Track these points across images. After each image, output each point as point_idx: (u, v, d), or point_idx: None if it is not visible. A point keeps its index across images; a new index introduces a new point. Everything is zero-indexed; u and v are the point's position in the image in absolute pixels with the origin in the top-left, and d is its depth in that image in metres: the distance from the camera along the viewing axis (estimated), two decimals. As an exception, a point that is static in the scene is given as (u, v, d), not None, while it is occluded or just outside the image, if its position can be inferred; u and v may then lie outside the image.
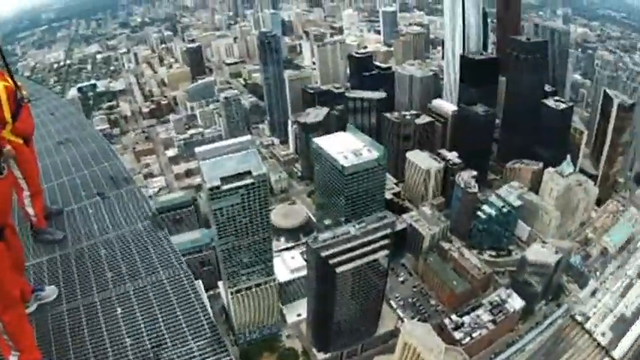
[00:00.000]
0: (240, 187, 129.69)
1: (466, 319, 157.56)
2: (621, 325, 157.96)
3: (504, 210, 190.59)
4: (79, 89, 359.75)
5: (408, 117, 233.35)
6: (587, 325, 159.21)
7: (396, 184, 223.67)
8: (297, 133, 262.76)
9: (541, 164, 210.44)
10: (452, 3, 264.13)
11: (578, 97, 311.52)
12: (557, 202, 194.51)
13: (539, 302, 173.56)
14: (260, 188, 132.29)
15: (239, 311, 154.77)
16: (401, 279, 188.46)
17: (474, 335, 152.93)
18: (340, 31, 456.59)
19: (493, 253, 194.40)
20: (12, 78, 19.16)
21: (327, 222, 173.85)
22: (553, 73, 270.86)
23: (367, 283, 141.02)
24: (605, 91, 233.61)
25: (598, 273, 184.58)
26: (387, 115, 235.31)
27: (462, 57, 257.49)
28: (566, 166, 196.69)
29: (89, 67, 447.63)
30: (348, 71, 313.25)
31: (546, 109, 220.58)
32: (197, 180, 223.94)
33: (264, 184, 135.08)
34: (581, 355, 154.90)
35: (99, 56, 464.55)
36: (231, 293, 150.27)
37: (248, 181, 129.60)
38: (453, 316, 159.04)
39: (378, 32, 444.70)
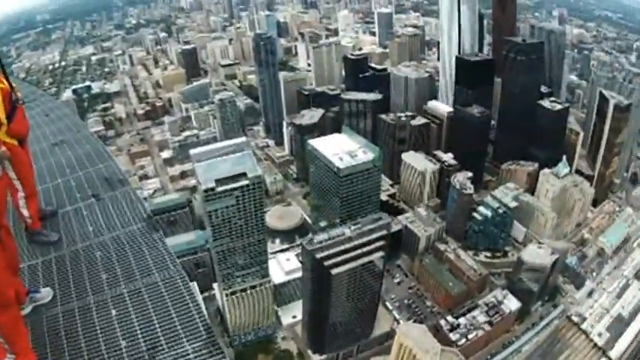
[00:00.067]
0: (235, 189, 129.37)
1: (462, 320, 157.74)
2: (618, 326, 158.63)
3: (500, 211, 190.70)
4: (74, 91, 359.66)
5: (403, 118, 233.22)
6: (584, 326, 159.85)
7: (392, 185, 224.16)
8: (292, 135, 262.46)
9: (537, 165, 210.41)
10: (447, 4, 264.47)
11: (574, 97, 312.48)
12: (553, 202, 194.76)
13: (535, 303, 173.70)
14: (255, 190, 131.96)
15: (234, 313, 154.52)
16: (396, 280, 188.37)
17: (469, 336, 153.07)
18: (335, 32, 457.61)
19: (489, 254, 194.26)
20: (7, 79, 19.17)
21: (322, 224, 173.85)
22: (549, 74, 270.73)
23: (363, 285, 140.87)
24: (601, 91, 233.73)
25: (594, 273, 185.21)
26: (383, 116, 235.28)
27: (458, 58, 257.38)
28: (562, 167, 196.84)
29: (84, 68, 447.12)
30: (343, 73, 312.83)
31: (542, 110, 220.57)
32: (192, 182, 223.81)
33: (259, 186, 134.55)
34: (577, 355, 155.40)
35: (94, 58, 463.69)
36: (226, 295, 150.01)
37: (243, 182, 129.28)
38: (449, 318, 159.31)
39: (374, 34, 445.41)
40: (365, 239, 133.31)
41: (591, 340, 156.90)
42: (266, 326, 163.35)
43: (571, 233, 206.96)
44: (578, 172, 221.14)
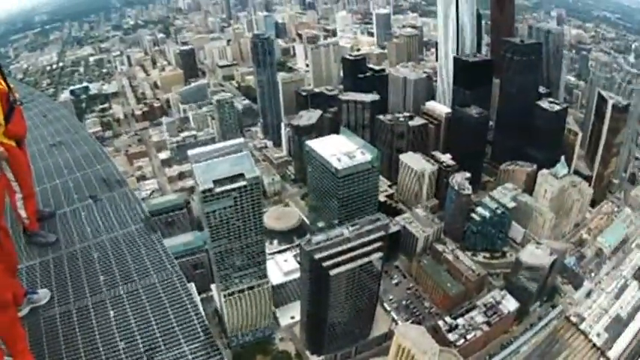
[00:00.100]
0: (232, 190, 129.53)
1: (460, 320, 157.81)
2: (616, 326, 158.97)
3: (498, 211, 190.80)
4: (72, 92, 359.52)
5: (401, 119, 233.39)
6: (582, 326, 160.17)
7: (390, 186, 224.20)
8: (290, 136, 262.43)
9: (535, 166, 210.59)
10: (446, 5, 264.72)
11: (572, 98, 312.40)
12: (552, 203, 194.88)
13: (533, 303, 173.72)
14: (253, 191, 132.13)
15: (232, 314, 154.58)
16: (395, 281, 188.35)
17: (468, 337, 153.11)
18: (334, 33, 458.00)
19: (487, 255, 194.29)
20: (4, 80, 19.13)
21: (320, 224, 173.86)
22: (547, 74, 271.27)
23: (361, 286, 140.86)
24: (599, 92, 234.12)
25: (593, 274, 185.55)
26: (381, 117, 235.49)
27: (456, 59, 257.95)
28: (561, 168, 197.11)
29: (82, 69, 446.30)
30: (341, 73, 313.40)
31: (540, 111, 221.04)
32: (190, 183, 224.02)
33: (257, 187, 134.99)
34: (576, 356, 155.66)
35: (92, 59, 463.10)
36: (224, 296, 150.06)
37: (241, 183, 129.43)
38: (447, 318, 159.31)
39: (372, 34, 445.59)
40: (363, 240, 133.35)
41: (590, 341, 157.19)
42: (264, 327, 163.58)
43: (569, 234, 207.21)
44: (577, 172, 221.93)
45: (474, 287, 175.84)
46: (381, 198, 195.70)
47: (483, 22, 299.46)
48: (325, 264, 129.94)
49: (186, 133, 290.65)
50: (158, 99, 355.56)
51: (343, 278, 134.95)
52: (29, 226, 22.08)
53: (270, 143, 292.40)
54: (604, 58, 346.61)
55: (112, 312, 18.11)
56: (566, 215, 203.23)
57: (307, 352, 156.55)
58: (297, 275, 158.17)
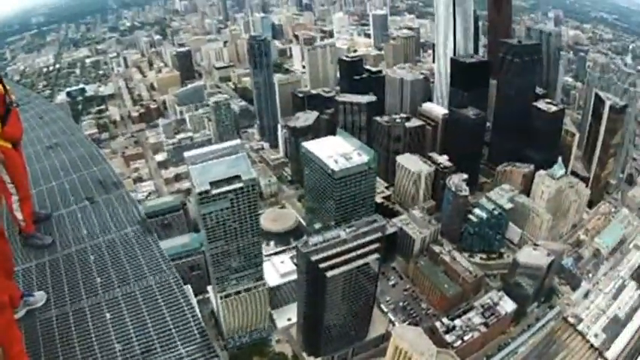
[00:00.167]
0: (229, 192, 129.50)
1: (457, 322, 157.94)
2: (614, 327, 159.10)
3: (495, 213, 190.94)
4: (68, 93, 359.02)
5: (398, 120, 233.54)
6: (580, 327, 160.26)
7: (387, 187, 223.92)
8: (286, 137, 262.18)
9: (532, 167, 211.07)
10: (443, 6, 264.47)
11: (569, 99, 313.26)
12: (549, 204, 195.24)
13: (531, 304, 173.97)
14: (249, 192, 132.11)
15: (228, 316, 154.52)
16: (392, 283, 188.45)
17: (465, 338, 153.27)
18: (330, 34, 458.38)
19: (484, 256, 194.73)
20: (1, 82, 19.12)
21: (317, 226, 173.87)
22: (545, 75, 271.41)
23: (358, 287, 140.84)
24: (596, 93, 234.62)
25: (590, 275, 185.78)
26: (377, 118, 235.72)
27: (453, 60, 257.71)
28: (558, 169, 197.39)
29: (78, 71, 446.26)
30: (338, 75, 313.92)
31: (537, 112, 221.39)
32: (186, 184, 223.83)
33: (254, 189, 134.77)
34: (574, 357, 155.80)
35: (88, 60, 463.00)
36: (221, 298, 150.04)
37: (237, 185, 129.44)
38: (445, 320, 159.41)
39: (369, 36, 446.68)
40: (360, 241, 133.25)
41: (587, 341, 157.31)
42: (261, 329, 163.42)
43: (567, 234, 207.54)
44: (574, 173, 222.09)
45: (471, 288, 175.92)
46: (378, 199, 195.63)
47: (480, 23, 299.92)
48: (322, 265, 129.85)
49: (182, 135, 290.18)
50: (155, 100, 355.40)
51: (340, 280, 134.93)
52: (25, 228, 22.03)
53: (266, 145, 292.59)
54: (601, 59, 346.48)
55: (108, 314, 18.06)
56: (564, 216, 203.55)
57: (304, 354, 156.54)
58: (293, 277, 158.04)
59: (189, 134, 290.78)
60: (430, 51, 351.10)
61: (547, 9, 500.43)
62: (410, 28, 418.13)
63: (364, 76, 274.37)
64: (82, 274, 20.17)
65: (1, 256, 16.73)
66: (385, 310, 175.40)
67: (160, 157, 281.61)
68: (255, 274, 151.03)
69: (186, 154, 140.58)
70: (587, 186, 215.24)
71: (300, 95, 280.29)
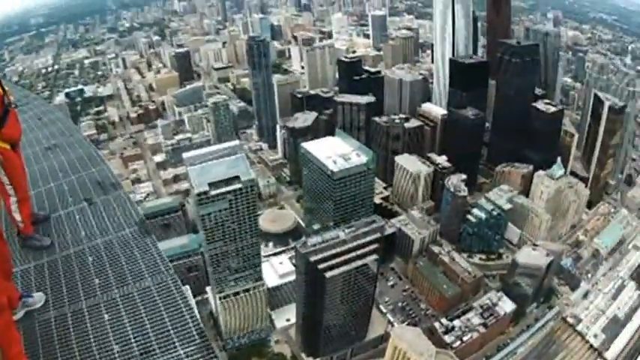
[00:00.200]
0: (228, 193, 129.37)
1: (456, 322, 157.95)
2: (614, 327, 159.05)
3: (494, 213, 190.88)
4: (67, 94, 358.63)
5: (397, 121, 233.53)
6: (579, 327, 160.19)
7: (385, 188, 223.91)
8: (285, 138, 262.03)
9: (531, 167, 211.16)
10: (442, 7, 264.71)
11: (568, 99, 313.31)
12: (548, 204, 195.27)
13: (530, 305, 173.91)
14: (248, 193, 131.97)
15: (227, 316, 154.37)
16: (390, 283, 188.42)
17: (464, 339, 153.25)
18: (329, 35, 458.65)
19: (483, 257, 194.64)
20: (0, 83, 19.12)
21: (315, 227, 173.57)
22: (544, 76, 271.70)
23: (357, 288, 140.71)
24: (595, 93, 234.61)
25: (589, 275, 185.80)
26: (376, 119, 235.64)
27: (452, 61, 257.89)
28: (557, 169, 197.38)
29: (77, 72, 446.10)
30: (336, 75, 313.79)
31: (536, 113, 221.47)
32: (185, 185, 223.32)
33: (253, 190, 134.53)
34: (573, 357, 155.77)
35: (87, 61, 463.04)
36: (220, 298, 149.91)
37: (236, 186, 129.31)
38: (444, 320, 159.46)
39: (368, 36, 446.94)
40: (359, 242, 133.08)
41: (587, 342, 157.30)
42: (259, 330, 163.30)
43: (566, 235, 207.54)
44: (573, 173, 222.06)
45: (470, 289, 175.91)
46: (377, 200, 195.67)
47: (479, 23, 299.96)
48: (321, 266, 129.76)
49: (181, 136, 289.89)
50: (153, 101, 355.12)
51: (339, 280, 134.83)
52: (24, 229, 22.04)
53: (265, 145, 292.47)
54: (600, 60, 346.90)
55: (106, 315, 18.09)
56: (563, 216, 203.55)
57: (303, 355, 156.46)
58: (292, 278, 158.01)
59: (188, 135, 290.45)
60: (429, 51, 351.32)
61: (546, 9, 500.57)
62: (409, 29, 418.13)
63: (363, 76, 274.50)
64: (81, 276, 20.20)
65: (-1, 258, 16.76)
66: (384, 310, 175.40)
67: (159, 158, 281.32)
68: (253, 275, 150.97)
69: (184, 155, 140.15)
70: (586, 186, 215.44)
71: (299, 96, 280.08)
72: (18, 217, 21.47)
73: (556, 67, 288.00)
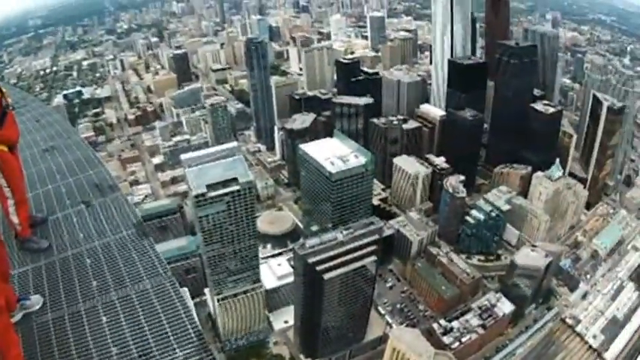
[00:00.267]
0: (226, 194, 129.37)
1: (455, 323, 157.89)
2: (613, 328, 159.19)
3: (493, 214, 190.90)
4: (65, 96, 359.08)
5: (395, 122, 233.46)
6: (579, 328, 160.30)
7: (384, 189, 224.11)
8: (283, 140, 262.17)
9: (530, 168, 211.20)
10: (440, 8, 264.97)
11: (567, 100, 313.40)
12: (547, 205, 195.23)
13: (529, 306, 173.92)
14: (246, 195, 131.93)
15: (225, 318, 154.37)
16: (389, 284, 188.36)
17: (463, 340, 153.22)
18: (328, 36, 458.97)
19: (482, 258, 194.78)
20: (-3, 86, 19.14)
21: (314, 228, 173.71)
22: (542, 77, 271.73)
23: (355, 289, 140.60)
24: (594, 94, 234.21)
25: (588, 276, 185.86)
26: (375, 120, 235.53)
27: (450, 62, 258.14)
28: (556, 170, 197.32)
29: (75, 73, 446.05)
30: (335, 77, 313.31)
31: (535, 113, 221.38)
32: (183, 187, 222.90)
33: (251, 191, 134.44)
34: (572, 358, 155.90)
35: (85, 63, 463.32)
36: (218, 300, 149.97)
37: (234, 188, 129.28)
38: (442, 321, 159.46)
39: (366, 37, 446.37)
40: (357, 244, 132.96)
41: (586, 343, 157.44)
42: (258, 331, 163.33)
43: (564, 236, 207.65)
44: (572, 174, 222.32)
45: (468, 290, 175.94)
46: (375, 201, 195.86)
47: (478, 24, 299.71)
48: (319, 268, 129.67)
49: (179, 138, 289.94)
50: (151, 103, 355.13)
51: (337, 282, 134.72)
52: (21, 232, 22.02)
53: (263, 147, 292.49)
54: (599, 61, 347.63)
55: (104, 317, 18.08)
56: (561, 217, 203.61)
57: (301, 356, 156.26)
58: (290, 279, 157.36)
59: (186, 137, 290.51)
60: (427, 53, 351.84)
61: (545, 11, 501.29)
62: (407, 30, 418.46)
63: (361, 77, 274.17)
64: (79, 278, 20.19)
65: (-3, 260, 16.77)
66: (382, 312, 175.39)
67: (157, 159, 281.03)
68: (252, 277, 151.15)
69: (182, 156, 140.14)
70: (584, 187, 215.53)
71: (297, 97, 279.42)
72: (15, 219, 21.43)
73: (555, 68, 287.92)
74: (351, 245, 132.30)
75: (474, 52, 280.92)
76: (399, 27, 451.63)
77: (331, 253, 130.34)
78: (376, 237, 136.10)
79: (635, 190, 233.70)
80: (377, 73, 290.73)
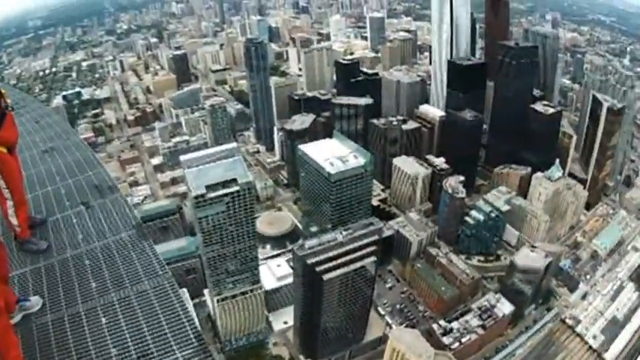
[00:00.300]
0: (225, 195, 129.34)
1: (455, 324, 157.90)
2: (613, 328, 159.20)
3: (492, 215, 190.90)
4: (64, 97, 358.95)
5: (394, 123, 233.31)
6: (578, 329, 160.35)
7: (383, 190, 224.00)
8: (283, 140, 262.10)
9: (529, 169, 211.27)
10: (440, 8, 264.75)
11: (567, 101, 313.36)
12: (546, 206, 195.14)
13: (528, 306, 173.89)
14: (246, 196, 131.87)
15: (225, 319, 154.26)
16: (388, 285, 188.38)
17: (463, 340, 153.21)
18: (327, 37, 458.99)
19: (481, 259, 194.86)
20: (-4, 87, 19.13)
21: (313, 229, 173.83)
22: (542, 77, 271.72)
23: (354, 290, 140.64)
24: (594, 95, 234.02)
25: (588, 276, 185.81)
26: (374, 121, 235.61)
27: (450, 62, 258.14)
28: (555, 170, 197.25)
29: (74, 74, 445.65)
30: (334, 77, 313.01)
31: (535, 114, 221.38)
32: (182, 188, 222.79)
33: (250, 192, 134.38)
34: (572, 358, 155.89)
35: (84, 64, 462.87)
36: (217, 301, 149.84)
37: (233, 188, 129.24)
38: (442, 322, 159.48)
39: (366, 38, 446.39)
40: (356, 244, 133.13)
41: (586, 343, 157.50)
42: (257, 332, 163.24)
43: (564, 236, 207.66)
44: (572, 175, 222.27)
45: (468, 291, 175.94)
46: (375, 202, 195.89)
47: (478, 25, 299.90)
48: (318, 269, 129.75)
49: (178, 139, 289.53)
50: (151, 104, 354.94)
51: (336, 283, 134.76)
52: (21, 233, 21.97)
53: (262, 148, 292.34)
54: (599, 61, 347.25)
55: (103, 319, 18.04)
56: (561, 218, 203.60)
57: (301, 357, 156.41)
58: (290, 280, 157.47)
59: (185, 138, 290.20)
60: (427, 53, 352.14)
61: (544, 11, 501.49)
62: (407, 31, 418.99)
63: (361, 78, 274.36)
64: (78, 279, 20.14)
65: (-4, 262, 16.75)
66: (382, 312, 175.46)
67: (156, 160, 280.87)
68: (251, 278, 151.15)
69: (182, 157, 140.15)
70: (584, 188, 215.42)
71: (297, 98, 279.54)
72: (15, 220, 21.39)
73: (554, 69, 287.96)
74: (351, 246, 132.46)
75: (473, 53, 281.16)
76: (398, 27, 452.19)
77: (331, 254, 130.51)
78: (376, 238, 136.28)
79: (635, 190, 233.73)
80: (376, 74, 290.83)
